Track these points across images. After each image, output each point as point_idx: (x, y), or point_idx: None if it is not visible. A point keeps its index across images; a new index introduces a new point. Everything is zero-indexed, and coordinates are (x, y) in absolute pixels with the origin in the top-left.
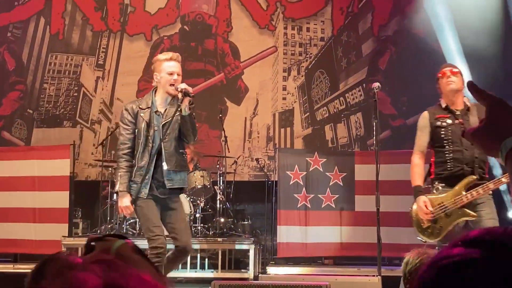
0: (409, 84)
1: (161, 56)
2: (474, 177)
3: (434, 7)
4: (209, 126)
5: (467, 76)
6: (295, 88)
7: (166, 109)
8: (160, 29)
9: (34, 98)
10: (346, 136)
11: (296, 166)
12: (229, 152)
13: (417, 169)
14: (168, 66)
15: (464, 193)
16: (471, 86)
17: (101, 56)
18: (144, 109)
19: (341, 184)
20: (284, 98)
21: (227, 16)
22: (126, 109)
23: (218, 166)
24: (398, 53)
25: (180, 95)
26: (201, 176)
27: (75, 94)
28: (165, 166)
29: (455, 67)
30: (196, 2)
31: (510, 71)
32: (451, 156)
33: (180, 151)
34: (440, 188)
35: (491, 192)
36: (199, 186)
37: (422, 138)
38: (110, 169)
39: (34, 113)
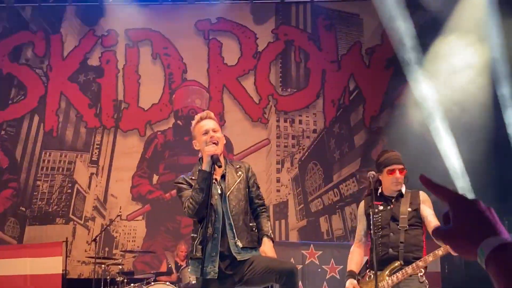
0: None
1: (193, 122)
2: (398, 262)
3: (423, 95)
4: None
5: (455, 151)
6: (289, 180)
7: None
8: (154, 124)
9: (27, 196)
10: (341, 228)
11: (292, 260)
12: None
13: (352, 255)
14: (201, 126)
15: (387, 278)
16: (426, 182)
17: (95, 153)
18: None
19: (338, 277)
20: (278, 190)
21: (220, 110)
22: (178, 182)
23: None
24: (391, 144)
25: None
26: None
27: (69, 191)
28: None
29: (401, 163)
30: (189, 97)
31: (498, 143)
32: (379, 241)
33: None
34: (371, 275)
35: (421, 270)
36: (193, 282)
37: (359, 227)
38: (103, 266)
39: (27, 210)
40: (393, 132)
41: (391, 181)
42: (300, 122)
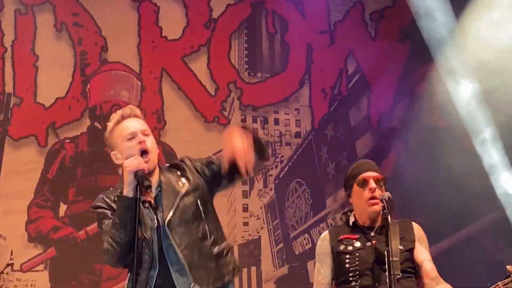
0: (427, 197)
1: (110, 124)
2: None
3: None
4: None
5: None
6: (261, 208)
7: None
8: (59, 128)
9: None
10: None
11: None
12: None
13: None
14: (122, 129)
15: None
16: None
17: None
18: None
19: None
20: (245, 223)
21: (158, 107)
22: (96, 206)
23: None
24: (409, 153)
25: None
26: None
27: None
28: None
29: (377, 170)
30: (112, 88)
31: None
32: None
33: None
34: None
35: None
36: None
37: (322, 272)
38: None
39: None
40: (413, 135)
41: (365, 199)
42: (276, 122)
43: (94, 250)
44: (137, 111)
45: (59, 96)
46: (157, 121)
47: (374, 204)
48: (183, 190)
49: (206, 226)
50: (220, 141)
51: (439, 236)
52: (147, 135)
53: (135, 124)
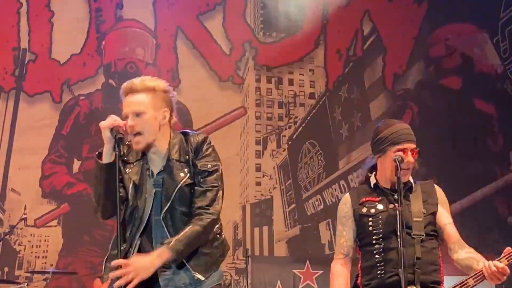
0: (441, 159)
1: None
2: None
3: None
4: None
5: None
6: (274, 168)
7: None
8: (74, 85)
9: None
10: None
11: (279, 283)
12: None
13: (338, 281)
14: (123, 107)
15: None
16: None
17: None
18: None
19: None
20: (258, 183)
21: (173, 65)
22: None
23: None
24: (423, 115)
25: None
26: None
27: None
28: None
29: (415, 141)
30: (127, 45)
31: None
32: (381, 258)
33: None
34: None
35: None
36: None
37: (345, 235)
38: None
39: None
40: (427, 97)
41: (395, 166)
42: (291, 82)
43: None
44: (137, 85)
45: (74, 52)
46: (171, 79)
47: (406, 173)
48: (182, 182)
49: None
50: (234, 101)
51: (453, 198)
52: (139, 115)
53: (130, 103)
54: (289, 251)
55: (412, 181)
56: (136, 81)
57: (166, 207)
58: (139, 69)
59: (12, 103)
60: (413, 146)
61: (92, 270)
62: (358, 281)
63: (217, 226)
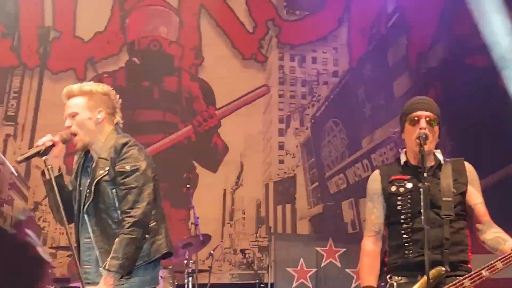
0: (464, 139)
1: None
2: (443, 268)
3: (495, 25)
4: (171, 203)
5: None
6: (297, 146)
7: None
8: (98, 62)
9: None
10: None
11: (301, 260)
12: (201, 240)
13: (367, 259)
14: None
15: None
16: None
17: (12, 105)
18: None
19: None
20: (281, 161)
21: (196, 43)
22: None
23: (185, 262)
24: (447, 93)
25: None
26: (161, 278)
27: None
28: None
29: (431, 110)
30: (150, 23)
31: None
32: (409, 238)
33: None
34: (395, 285)
35: None
36: None
37: (376, 212)
38: None
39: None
40: (452, 75)
41: (414, 137)
42: (314, 60)
43: None
44: (74, 90)
45: (98, 30)
46: (194, 57)
47: (419, 143)
48: (99, 177)
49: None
50: (257, 79)
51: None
52: (74, 116)
53: (67, 107)
54: (311, 229)
55: (441, 158)
56: (75, 87)
57: (88, 202)
58: (163, 47)
59: (36, 80)
60: (426, 113)
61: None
62: (386, 259)
63: (148, 222)
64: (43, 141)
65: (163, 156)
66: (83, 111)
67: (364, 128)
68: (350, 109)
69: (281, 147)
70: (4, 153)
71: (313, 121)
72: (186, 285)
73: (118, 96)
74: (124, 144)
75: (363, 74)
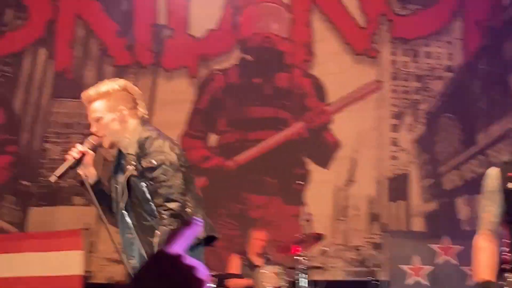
0: None
1: None
2: None
3: None
4: (283, 200)
5: None
6: (410, 142)
7: None
8: (211, 60)
9: (32, 164)
10: None
11: (416, 258)
12: (314, 238)
13: (484, 255)
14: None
15: None
16: None
17: None
18: None
19: None
20: (394, 158)
21: (308, 39)
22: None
23: (298, 258)
24: None
25: None
26: (274, 274)
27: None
28: None
29: None
30: (262, 20)
31: None
32: None
33: None
34: None
35: None
36: None
37: (491, 210)
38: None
39: (32, 185)
40: None
41: None
42: (428, 55)
43: (243, 179)
44: (91, 94)
45: (210, 28)
46: (306, 54)
47: None
48: (129, 173)
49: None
50: (369, 74)
51: None
52: (98, 120)
53: (90, 112)
54: (426, 226)
55: None
56: (92, 91)
57: (124, 198)
58: (274, 43)
59: (150, 78)
60: None
61: (228, 242)
62: (505, 256)
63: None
64: (72, 154)
65: (274, 152)
66: (105, 114)
67: (479, 123)
68: (465, 104)
69: (394, 143)
70: None
71: (427, 117)
72: (298, 281)
73: (136, 88)
74: (147, 138)
75: (478, 68)
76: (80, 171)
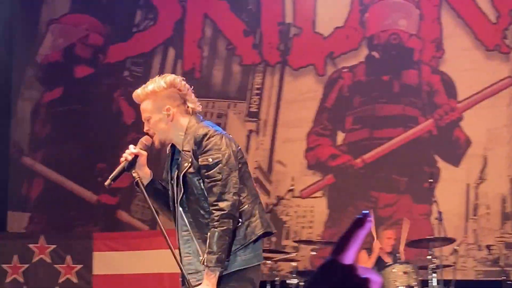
0: None
1: None
2: None
3: None
4: (413, 199)
5: None
6: None
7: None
8: (338, 57)
9: (164, 162)
10: None
11: None
12: (445, 236)
13: None
14: None
15: None
16: None
17: (254, 101)
18: None
19: None
20: None
21: (437, 35)
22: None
23: (430, 257)
24: None
25: None
26: (404, 273)
27: None
28: None
29: None
30: (390, 17)
31: None
32: None
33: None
34: None
35: None
36: None
37: None
38: (269, 263)
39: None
40: None
41: None
42: None
43: (371, 177)
44: (139, 95)
45: (337, 25)
46: (435, 50)
47: None
48: (185, 171)
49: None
50: (501, 70)
51: None
52: (148, 120)
53: (141, 112)
54: None
55: None
56: (139, 91)
57: (180, 195)
58: (402, 40)
59: (277, 77)
60: None
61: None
62: None
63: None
64: (125, 156)
65: (403, 150)
66: (153, 114)
67: None
68: None
69: None
70: (246, 148)
71: None
72: (430, 281)
73: (184, 82)
74: (204, 135)
75: None
76: (134, 173)
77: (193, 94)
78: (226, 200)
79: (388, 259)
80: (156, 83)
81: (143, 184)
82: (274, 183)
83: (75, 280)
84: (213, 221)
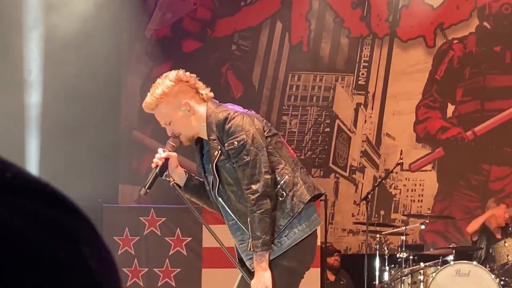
0: None
1: None
2: None
3: None
4: None
5: None
6: None
7: None
8: (448, 29)
9: None
10: None
11: None
12: None
13: None
14: None
15: None
16: None
17: (362, 74)
18: None
19: None
20: None
21: None
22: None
23: None
24: None
25: None
26: None
27: (327, 129)
28: None
29: None
30: None
31: None
32: None
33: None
34: None
35: None
36: None
37: None
38: (378, 236)
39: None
40: None
41: None
42: None
43: (482, 151)
44: (150, 103)
45: None
46: None
47: None
48: (216, 160)
49: None
50: None
51: None
52: (169, 124)
53: (158, 118)
54: None
55: None
56: (148, 100)
57: (216, 185)
58: None
59: (386, 49)
60: None
61: (468, 215)
62: None
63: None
64: (155, 161)
65: None
66: (172, 114)
67: None
68: None
69: None
70: (355, 121)
71: None
72: None
73: (187, 73)
74: (225, 119)
75: None
76: (168, 177)
77: (200, 82)
78: (258, 181)
79: (499, 235)
80: (162, 84)
81: (179, 186)
82: (382, 156)
83: (184, 252)
84: (250, 204)
